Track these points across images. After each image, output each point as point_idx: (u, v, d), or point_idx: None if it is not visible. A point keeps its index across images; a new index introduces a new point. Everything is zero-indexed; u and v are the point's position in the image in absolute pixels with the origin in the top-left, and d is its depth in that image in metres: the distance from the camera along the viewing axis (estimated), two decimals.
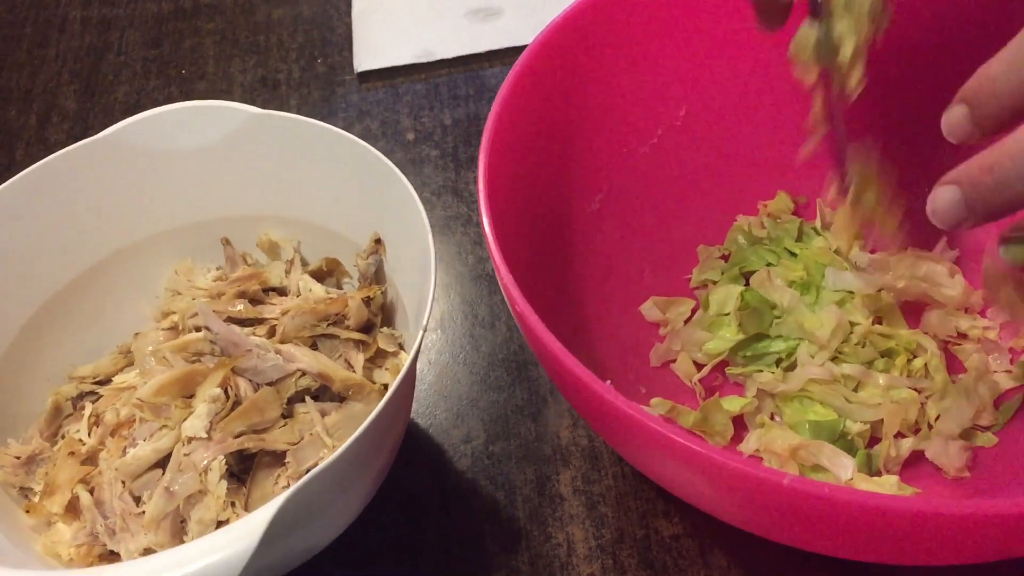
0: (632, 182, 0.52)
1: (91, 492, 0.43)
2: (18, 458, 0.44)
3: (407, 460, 0.49)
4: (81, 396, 0.48)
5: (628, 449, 0.37)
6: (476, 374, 0.53)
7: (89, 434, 0.46)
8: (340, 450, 0.35)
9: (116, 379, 0.46)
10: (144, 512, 0.41)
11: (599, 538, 0.46)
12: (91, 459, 0.45)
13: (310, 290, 0.48)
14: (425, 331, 0.39)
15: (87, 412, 0.46)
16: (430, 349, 0.54)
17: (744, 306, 0.48)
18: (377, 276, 0.48)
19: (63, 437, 0.47)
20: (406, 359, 0.39)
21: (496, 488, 0.48)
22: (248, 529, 0.32)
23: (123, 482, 0.43)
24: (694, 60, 0.51)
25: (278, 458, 0.42)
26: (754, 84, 0.52)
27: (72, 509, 0.43)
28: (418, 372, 0.53)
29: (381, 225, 0.47)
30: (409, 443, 0.50)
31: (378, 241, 0.47)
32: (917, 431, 0.45)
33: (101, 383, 0.48)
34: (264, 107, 0.66)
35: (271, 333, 0.46)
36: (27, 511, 0.43)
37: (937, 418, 0.45)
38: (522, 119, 0.44)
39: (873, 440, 0.45)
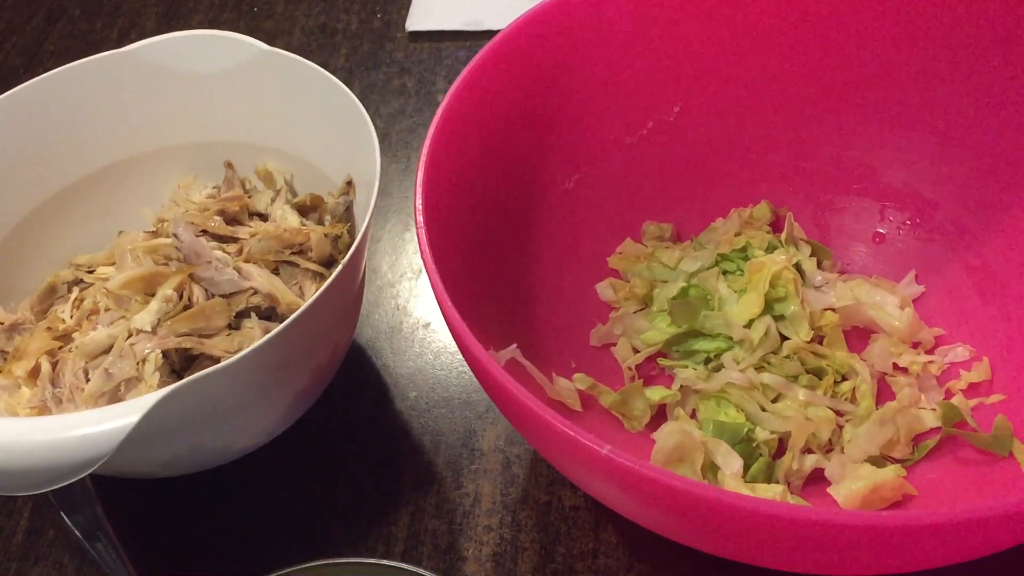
0: (614, 168, 0.53)
1: (55, 365, 0.48)
2: (1, 323, 0.50)
3: (351, 390, 0.52)
4: (76, 282, 0.53)
5: (496, 403, 0.39)
6: (435, 323, 0.55)
7: (71, 316, 0.51)
8: (235, 357, 0.38)
9: (99, 270, 0.51)
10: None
11: (505, 495, 0.48)
12: (68, 337, 0.50)
13: (286, 219, 0.52)
14: (345, 266, 0.42)
15: (73, 295, 0.51)
16: (400, 296, 0.57)
17: (680, 296, 0.49)
18: (346, 216, 0.51)
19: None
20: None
21: (424, 432, 0.51)
22: (127, 410, 0.36)
23: (87, 361, 0.48)
24: (695, 61, 0.52)
25: (216, 363, 0.46)
26: (753, 94, 0.53)
27: (35, 376, 0.48)
28: (381, 316, 0.56)
29: (356, 169, 0.50)
30: (356, 375, 0.53)
31: (349, 183, 0.50)
32: (830, 451, 0.46)
33: (92, 272, 0.53)
34: (317, 52, 0.70)
35: (240, 252, 0.50)
36: None
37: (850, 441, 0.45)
38: (488, 96, 0.46)
39: (784, 453, 0.46)
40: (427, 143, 0.43)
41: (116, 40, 0.76)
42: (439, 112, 0.44)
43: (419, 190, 0.41)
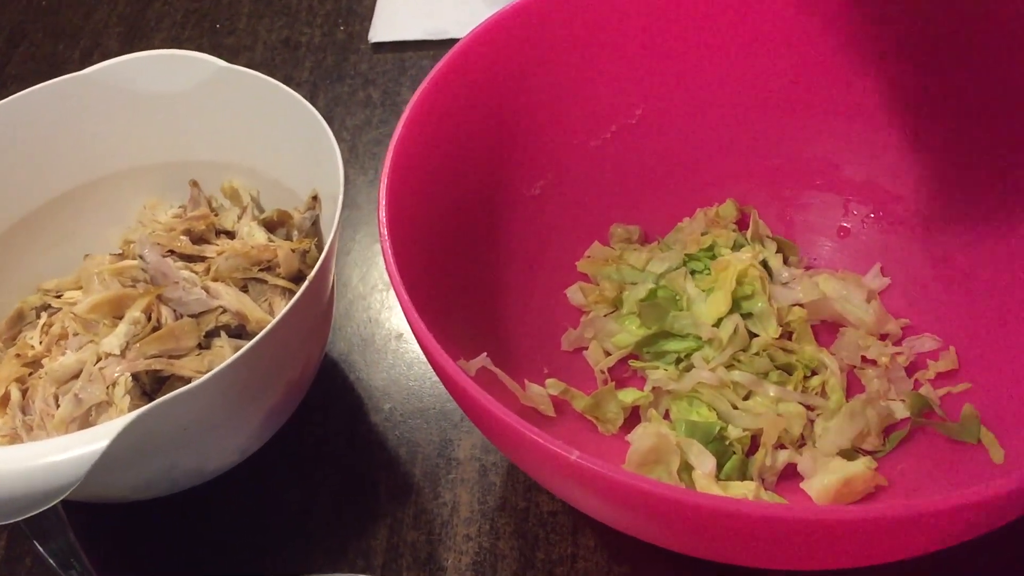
0: (579, 173, 0.53)
1: (24, 392, 0.48)
2: None
3: (325, 404, 0.52)
4: (44, 307, 0.53)
5: (467, 413, 0.39)
6: (408, 335, 0.55)
7: (40, 342, 0.50)
8: (203, 378, 0.38)
9: (66, 295, 0.51)
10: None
11: (483, 503, 0.48)
12: (37, 364, 0.49)
13: (253, 236, 0.51)
14: (312, 281, 0.42)
15: (42, 321, 0.51)
16: (371, 308, 0.57)
17: (649, 297, 0.49)
18: (313, 231, 0.51)
19: None
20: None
21: (400, 444, 0.51)
22: (96, 436, 0.35)
23: (57, 387, 0.47)
24: (656, 65, 0.52)
25: (187, 383, 0.46)
26: (713, 94, 0.53)
27: (5, 404, 0.48)
28: (354, 329, 0.56)
29: (321, 183, 0.50)
30: (330, 389, 0.53)
31: (315, 198, 0.50)
32: (802, 446, 0.46)
33: (60, 297, 0.52)
34: (280, 66, 0.70)
35: (208, 271, 0.50)
36: None
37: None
38: (451, 104, 0.46)
39: (757, 449, 0.46)
40: (389, 154, 0.43)
41: (79, 62, 0.75)
42: (401, 122, 0.44)
43: (383, 202, 0.41)
